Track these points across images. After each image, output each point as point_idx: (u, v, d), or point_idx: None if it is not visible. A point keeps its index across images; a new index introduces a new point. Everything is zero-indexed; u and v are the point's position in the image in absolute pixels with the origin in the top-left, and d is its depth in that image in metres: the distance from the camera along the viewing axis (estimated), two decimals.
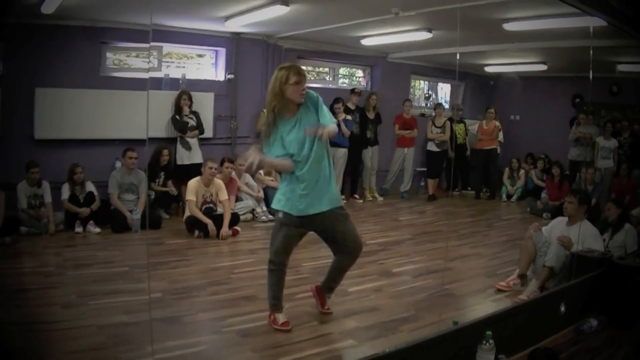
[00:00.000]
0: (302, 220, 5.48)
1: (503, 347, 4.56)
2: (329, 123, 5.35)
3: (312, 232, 5.66)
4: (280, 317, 5.56)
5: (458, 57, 12.71)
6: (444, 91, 17.27)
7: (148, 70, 11.49)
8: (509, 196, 14.20)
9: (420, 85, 16.70)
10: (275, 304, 5.61)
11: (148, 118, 9.79)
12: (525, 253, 7.14)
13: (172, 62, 11.86)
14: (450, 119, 14.43)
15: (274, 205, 5.60)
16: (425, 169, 14.65)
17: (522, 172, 14.34)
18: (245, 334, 5.39)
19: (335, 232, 5.63)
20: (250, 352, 5.01)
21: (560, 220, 7.27)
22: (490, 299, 6.75)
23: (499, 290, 6.97)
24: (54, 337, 5.17)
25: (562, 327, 5.64)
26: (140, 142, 10.11)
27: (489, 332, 4.27)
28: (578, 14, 7.12)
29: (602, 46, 9.30)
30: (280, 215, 5.55)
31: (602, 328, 5.74)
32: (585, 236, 6.72)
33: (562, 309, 5.61)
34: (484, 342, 4.26)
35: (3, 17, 9.03)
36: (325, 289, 5.99)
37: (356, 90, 13.00)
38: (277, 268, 5.56)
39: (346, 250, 5.72)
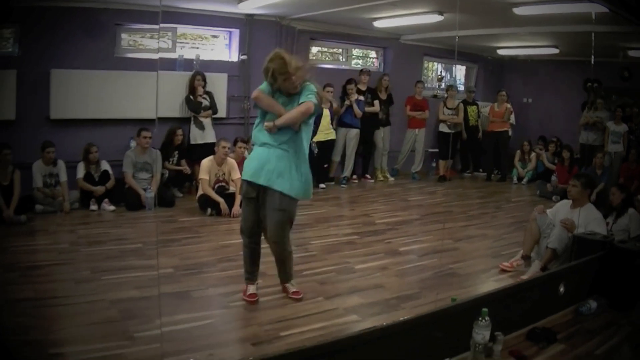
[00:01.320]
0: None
1: (501, 325, 4.67)
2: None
3: (324, 210, 5.77)
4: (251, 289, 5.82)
5: (457, 39, 12.79)
6: (462, 73, 17.31)
7: (158, 50, 11.60)
8: (520, 179, 14.25)
9: (433, 67, 16.74)
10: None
11: (157, 98, 9.94)
12: (529, 235, 7.25)
13: (187, 43, 11.97)
14: (464, 101, 14.54)
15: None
16: (436, 150, 14.74)
17: (533, 155, 14.34)
18: (252, 308, 5.56)
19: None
20: (257, 325, 5.18)
21: (565, 204, 7.36)
22: (494, 279, 6.87)
23: (503, 271, 7.10)
24: (66, 311, 5.34)
25: (562, 308, 5.71)
26: (154, 122, 10.22)
27: (485, 309, 4.38)
28: None
29: (612, 31, 9.38)
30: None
31: (601, 310, 5.79)
32: (588, 219, 6.81)
33: (562, 289, 5.70)
34: (480, 319, 4.37)
35: (17, 1, 9.21)
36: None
37: (364, 70, 13.07)
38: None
39: None
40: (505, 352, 4.67)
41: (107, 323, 5.11)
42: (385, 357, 4.06)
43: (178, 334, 4.79)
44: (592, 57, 9.59)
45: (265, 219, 5.62)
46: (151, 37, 11.54)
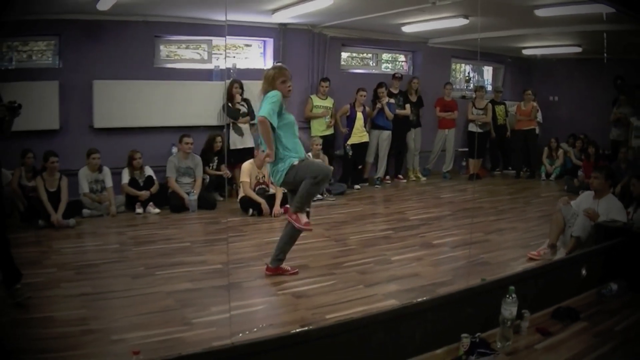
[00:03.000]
0: None
1: (528, 304, 5.08)
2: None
3: (360, 208, 6.11)
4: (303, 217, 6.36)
5: (479, 41, 13.01)
6: (489, 73, 17.51)
7: (224, 64, 12.05)
8: (548, 175, 14.46)
9: (461, 69, 17.02)
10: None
11: (227, 105, 10.50)
12: (555, 225, 7.58)
13: (221, 53, 12.32)
14: (492, 101, 14.81)
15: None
16: (466, 150, 15.03)
17: (560, 151, 14.55)
18: (299, 295, 6.02)
19: None
20: (304, 310, 5.62)
21: (588, 195, 7.67)
22: (522, 267, 7.13)
23: (531, 259, 7.42)
24: (125, 303, 5.80)
25: (585, 289, 6.08)
26: (193, 129, 10.76)
27: (512, 287, 4.75)
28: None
29: (628, 30, 9.65)
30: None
31: (622, 292, 6.14)
32: (609, 209, 7.13)
33: (584, 272, 6.07)
34: (507, 296, 4.75)
35: (56, 14, 9.63)
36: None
37: (397, 75, 13.40)
38: None
39: None
40: (532, 329, 5.10)
41: (165, 312, 5.55)
42: (422, 330, 4.49)
43: (233, 319, 5.10)
44: (605, 55, 9.88)
45: None
46: (186, 48, 11.99)
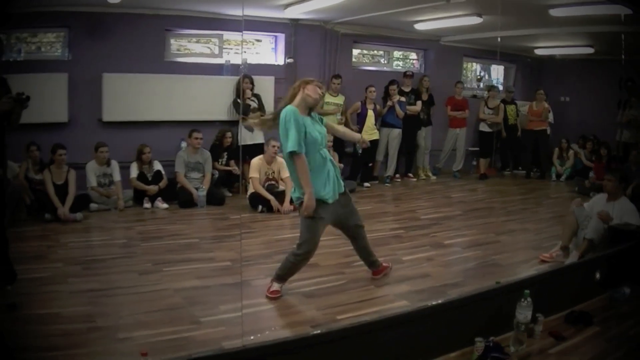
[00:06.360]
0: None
1: (542, 307, 5.02)
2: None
3: (370, 207, 6.02)
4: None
5: (499, 40, 12.94)
6: (499, 73, 17.38)
7: (240, 59, 12.10)
8: (558, 176, 14.38)
9: (472, 67, 16.95)
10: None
11: (237, 100, 10.41)
12: (568, 227, 7.48)
13: (231, 48, 12.33)
14: (503, 101, 14.71)
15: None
16: (476, 149, 14.94)
17: (571, 152, 14.46)
18: (309, 295, 5.94)
19: None
20: (315, 310, 5.55)
21: (601, 197, 7.60)
22: (534, 269, 7.07)
23: (543, 261, 7.35)
24: (132, 299, 5.74)
25: (597, 293, 6.04)
26: (203, 124, 10.71)
27: (527, 291, 4.71)
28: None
29: None
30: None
31: (635, 296, 6.13)
32: (623, 211, 7.06)
33: (597, 276, 6.03)
34: (522, 300, 4.71)
35: (66, 6, 9.58)
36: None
37: (408, 74, 13.35)
38: None
39: None
40: (545, 332, 5.04)
41: (173, 309, 5.49)
42: (436, 334, 4.43)
43: (244, 318, 5.05)
44: (622, 56, 9.82)
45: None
46: (197, 42, 11.94)
